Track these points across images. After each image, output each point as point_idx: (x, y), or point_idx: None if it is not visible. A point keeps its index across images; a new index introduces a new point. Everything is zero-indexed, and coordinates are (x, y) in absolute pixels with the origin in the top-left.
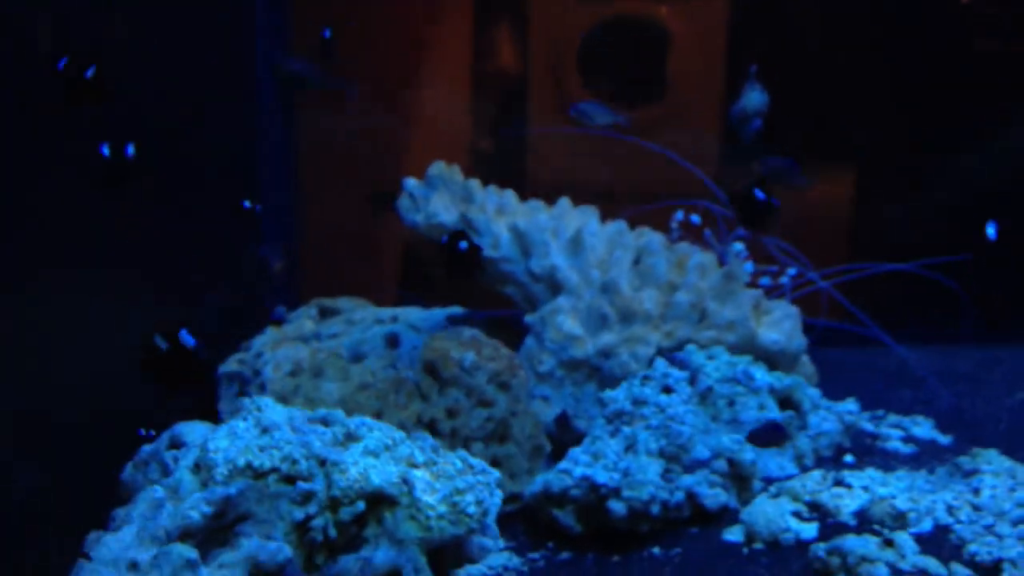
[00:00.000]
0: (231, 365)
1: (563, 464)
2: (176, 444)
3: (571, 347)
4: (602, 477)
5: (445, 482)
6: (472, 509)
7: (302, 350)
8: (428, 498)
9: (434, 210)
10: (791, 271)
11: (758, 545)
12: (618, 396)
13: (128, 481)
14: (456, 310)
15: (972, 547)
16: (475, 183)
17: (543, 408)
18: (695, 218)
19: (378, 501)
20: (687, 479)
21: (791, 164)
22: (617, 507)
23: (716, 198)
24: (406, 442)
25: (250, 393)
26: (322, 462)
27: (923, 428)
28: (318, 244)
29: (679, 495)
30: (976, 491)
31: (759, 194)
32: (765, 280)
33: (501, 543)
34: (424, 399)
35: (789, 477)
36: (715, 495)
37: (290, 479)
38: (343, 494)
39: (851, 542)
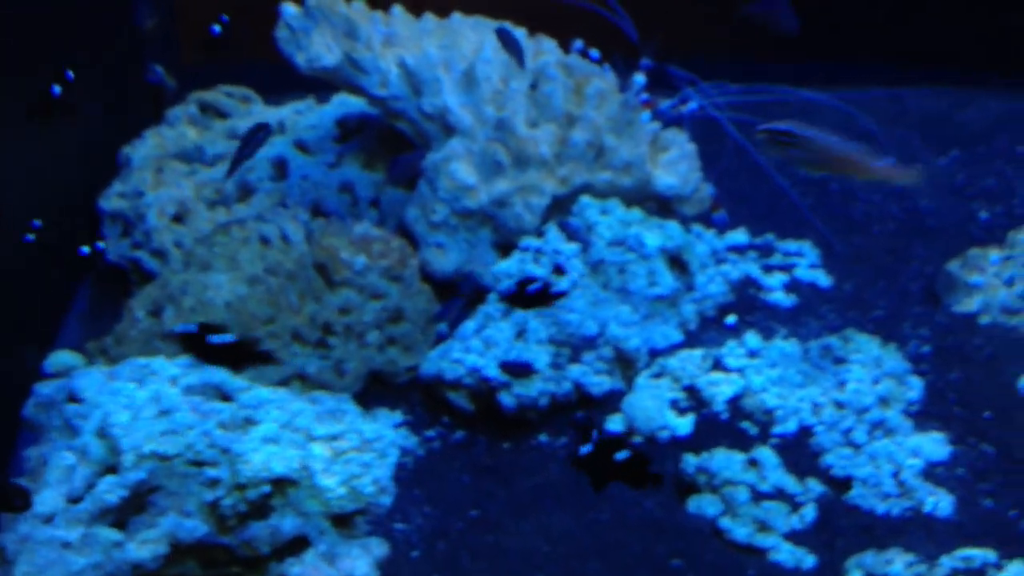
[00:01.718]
0: (112, 201)
1: (456, 347)
2: (74, 398)
3: (464, 198)
4: (492, 371)
5: (343, 465)
6: (369, 489)
7: (185, 188)
8: (327, 481)
9: (316, 52)
10: (692, 105)
11: (637, 439)
12: (511, 270)
13: (31, 419)
14: (347, 106)
15: (829, 458)
16: (359, 12)
17: (438, 256)
18: (594, 54)
19: (282, 483)
20: (575, 370)
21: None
22: (507, 400)
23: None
24: (304, 412)
25: (137, 243)
26: (224, 451)
27: (808, 260)
28: None
29: (567, 385)
30: (842, 385)
31: None
32: (665, 106)
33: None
34: (317, 301)
35: (674, 347)
36: (600, 383)
37: (196, 463)
38: (248, 481)
39: (718, 461)
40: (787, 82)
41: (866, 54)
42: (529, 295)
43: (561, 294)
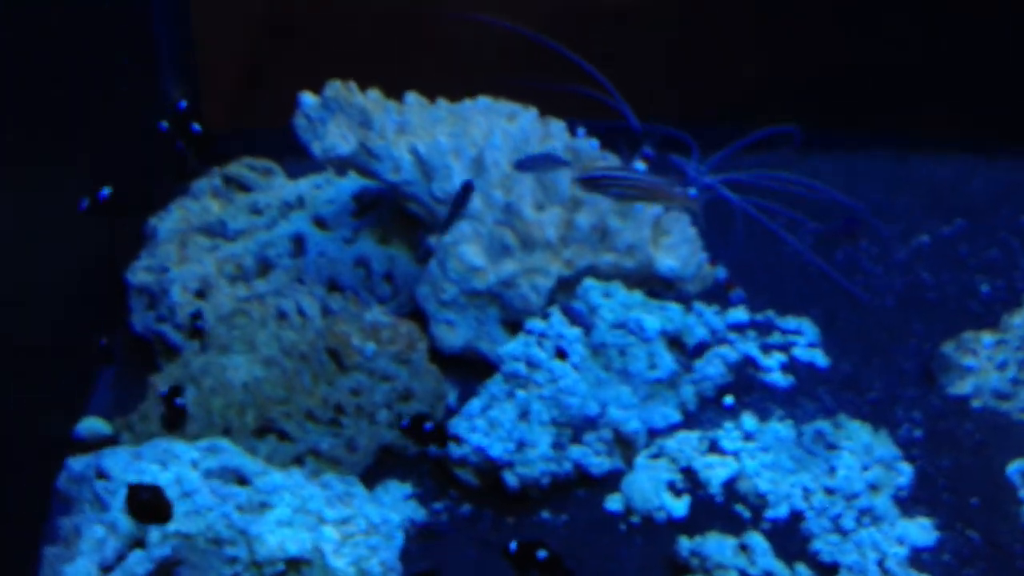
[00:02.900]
0: (139, 275)
1: (462, 426)
2: (103, 475)
3: (473, 279)
4: (497, 450)
5: (352, 548)
6: (376, 571)
7: (207, 264)
8: (338, 563)
9: (332, 143)
10: (693, 191)
11: (635, 519)
12: (516, 352)
13: (63, 491)
14: (364, 181)
15: (817, 543)
16: (374, 101)
17: (447, 332)
18: (594, 143)
19: (296, 562)
20: (575, 451)
21: None
22: (511, 479)
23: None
24: (315, 496)
25: (161, 316)
26: (242, 532)
27: (807, 338)
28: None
29: (567, 465)
30: (832, 471)
31: None
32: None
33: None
34: (330, 383)
35: (673, 428)
36: (600, 464)
37: (216, 542)
38: (265, 560)
39: (711, 545)
40: (790, 148)
41: (873, 120)
42: (425, 432)
43: (453, 438)
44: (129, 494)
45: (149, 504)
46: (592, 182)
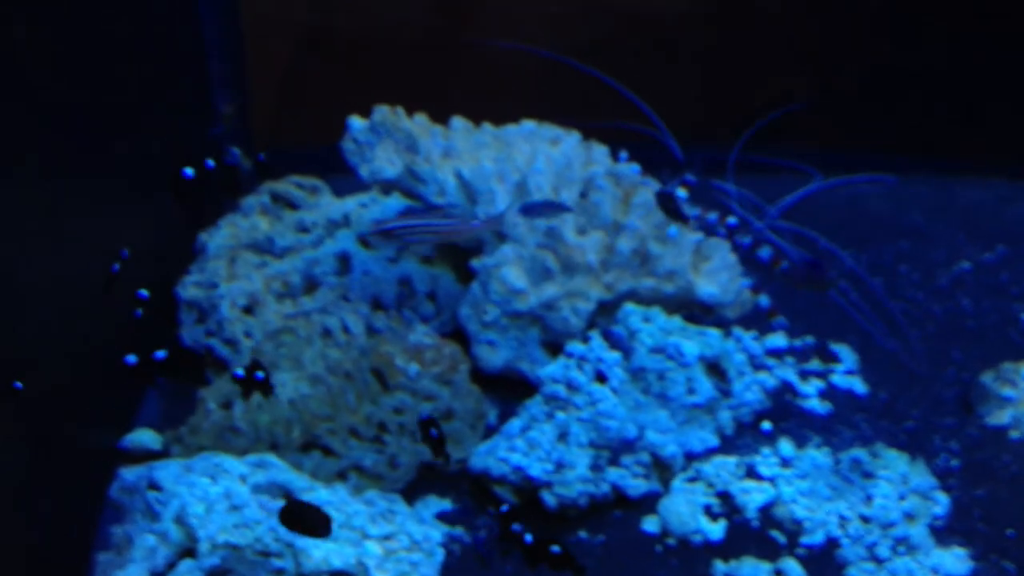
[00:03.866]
0: (189, 290)
1: (502, 445)
2: (154, 486)
3: (514, 301)
4: (536, 470)
5: (394, 564)
6: None
7: (255, 280)
8: None
9: (379, 166)
10: (732, 220)
11: (671, 541)
12: (556, 374)
13: (116, 500)
14: (408, 204)
15: (852, 571)
16: (421, 125)
17: (489, 353)
18: (635, 167)
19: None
20: (613, 473)
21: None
22: (549, 499)
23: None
24: (359, 513)
25: (210, 331)
26: (289, 545)
27: (845, 365)
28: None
29: (605, 487)
30: (869, 499)
31: None
32: (711, 219)
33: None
34: (373, 402)
35: (710, 452)
36: (637, 486)
37: (264, 554)
38: (311, 574)
39: (746, 570)
40: (832, 171)
41: (916, 145)
42: (430, 436)
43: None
44: (286, 508)
45: (307, 519)
46: (386, 234)
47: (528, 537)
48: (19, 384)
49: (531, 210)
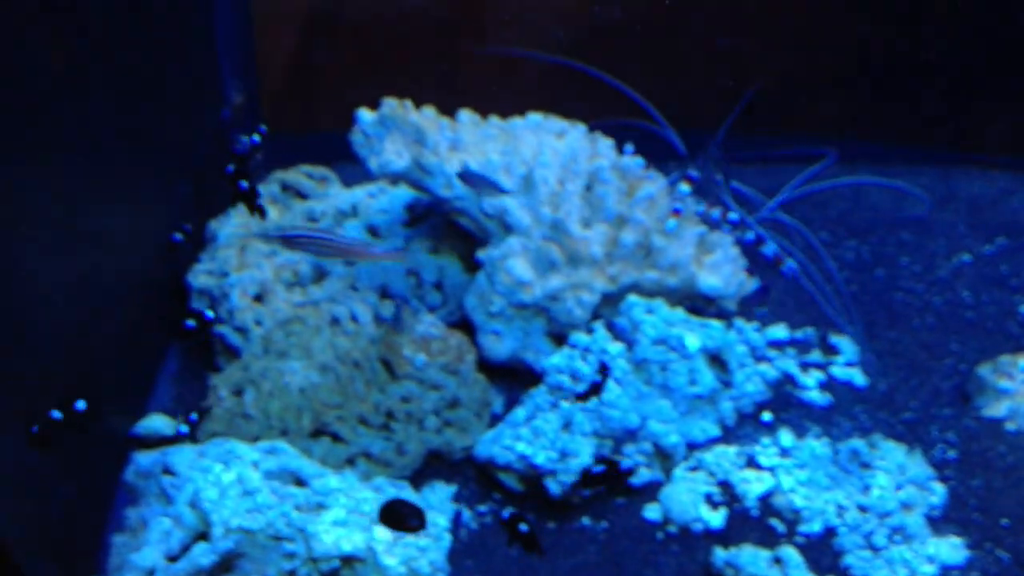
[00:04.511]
0: (200, 278)
1: (507, 434)
2: (169, 471)
3: (520, 292)
4: (540, 459)
5: (402, 548)
6: (425, 570)
7: (265, 269)
8: (389, 561)
9: (387, 159)
10: (733, 216)
11: (672, 529)
12: (560, 365)
13: (130, 484)
14: (415, 195)
15: (849, 559)
16: (428, 118)
17: (494, 343)
18: (640, 161)
19: (350, 560)
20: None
21: None
22: (553, 486)
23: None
24: (368, 499)
25: (221, 319)
26: (300, 530)
27: (845, 356)
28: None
29: None
30: (866, 489)
31: None
32: (715, 215)
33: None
34: (382, 391)
35: (711, 442)
36: (639, 475)
37: (276, 538)
38: (321, 556)
39: (745, 557)
40: (835, 164)
41: (917, 136)
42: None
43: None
44: (387, 506)
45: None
46: (288, 241)
47: (505, 513)
48: (82, 404)
49: (468, 178)
